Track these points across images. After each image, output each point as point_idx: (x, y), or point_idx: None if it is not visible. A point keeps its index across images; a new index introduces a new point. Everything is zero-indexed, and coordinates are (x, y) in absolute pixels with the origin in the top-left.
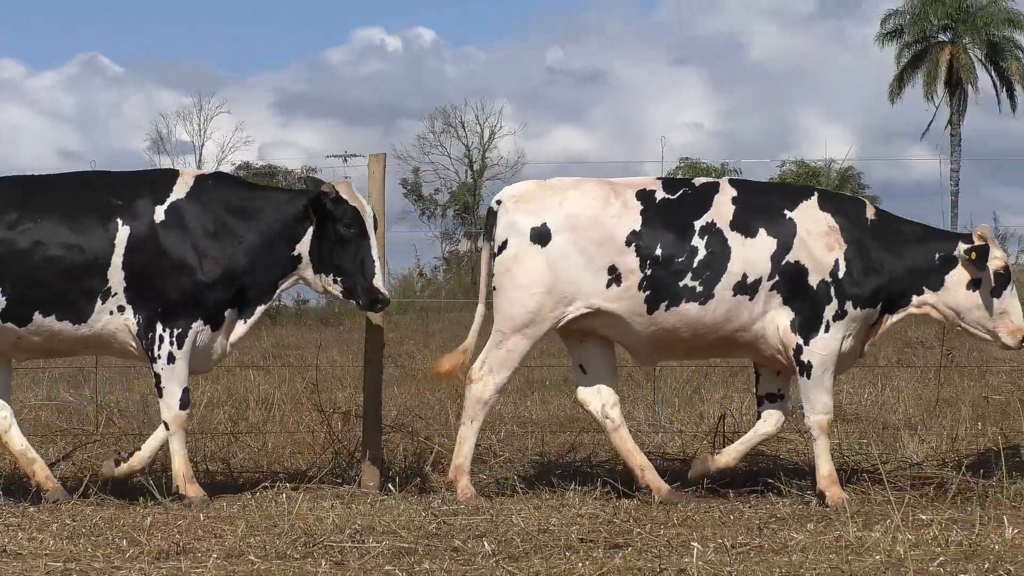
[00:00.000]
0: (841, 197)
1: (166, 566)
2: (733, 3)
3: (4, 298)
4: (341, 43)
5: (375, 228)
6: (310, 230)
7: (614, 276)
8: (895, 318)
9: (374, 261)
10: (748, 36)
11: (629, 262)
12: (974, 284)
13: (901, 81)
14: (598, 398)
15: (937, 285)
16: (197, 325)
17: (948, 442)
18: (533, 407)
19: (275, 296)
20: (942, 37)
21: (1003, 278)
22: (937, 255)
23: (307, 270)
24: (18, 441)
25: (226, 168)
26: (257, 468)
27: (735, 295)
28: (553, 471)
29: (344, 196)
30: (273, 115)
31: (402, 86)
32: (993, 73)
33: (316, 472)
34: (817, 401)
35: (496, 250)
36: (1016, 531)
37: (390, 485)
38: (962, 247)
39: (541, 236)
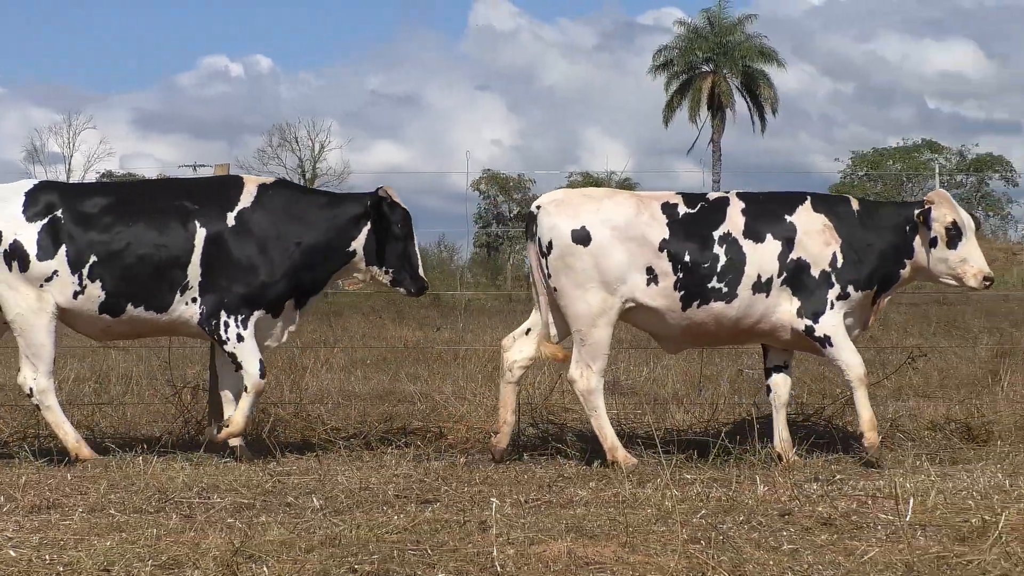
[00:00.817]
0: (830, 198)
1: (38, 519)
2: (527, 37)
3: (103, 292)
4: (190, 68)
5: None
6: (366, 229)
7: (652, 276)
8: (890, 295)
9: (417, 255)
10: (540, 66)
11: (663, 265)
12: (932, 242)
13: (671, 105)
14: (518, 353)
15: (911, 252)
16: (259, 313)
17: (709, 412)
18: (356, 383)
19: (325, 286)
20: (705, 68)
21: (953, 232)
22: (907, 226)
23: (360, 263)
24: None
25: (91, 176)
26: (117, 434)
27: (753, 293)
28: (373, 437)
29: (396, 199)
30: (132, 130)
31: (243, 106)
32: (748, 99)
33: (169, 438)
34: (849, 361)
35: (544, 251)
36: (766, 488)
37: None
38: (915, 212)
39: (582, 237)
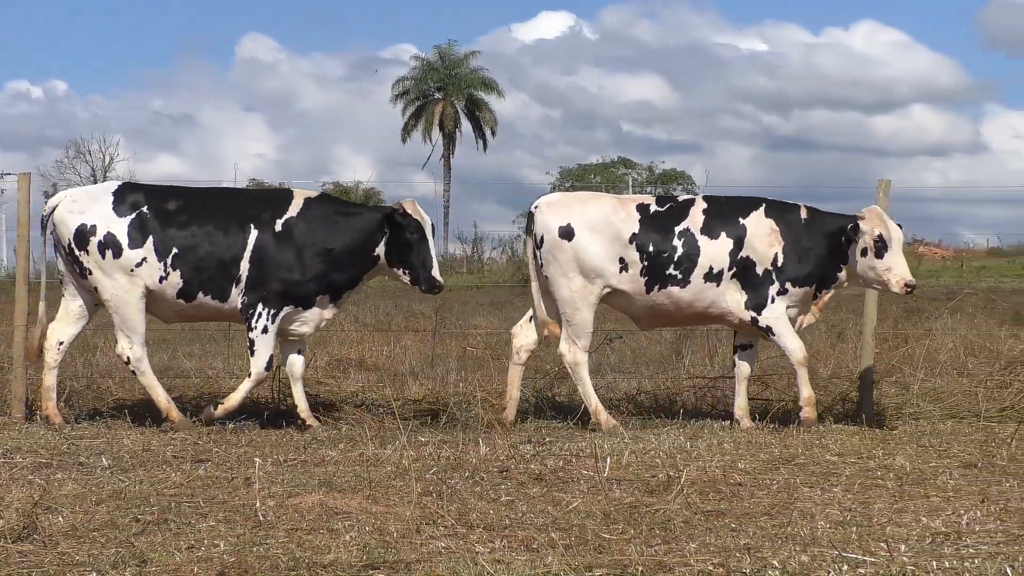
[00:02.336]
0: (782, 205)
1: None
2: (286, 67)
3: (181, 280)
4: None
5: (433, 233)
6: (385, 237)
7: (623, 265)
8: (830, 292)
9: (432, 258)
10: (296, 90)
11: (632, 255)
12: (863, 252)
13: (407, 127)
14: (525, 338)
15: (846, 258)
16: (288, 308)
17: (440, 385)
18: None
19: (361, 285)
20: (437, 96)
21: (879, 243)
22: (843, 236)
23: (384, 265)
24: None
25: None
26: None
27: (705, 281)
28: (154, 406)
29: (409, 212)
30: None
31: (43, 123)
32: (472, 122)
33: None
34: (790, 346)
35: (537, 245)
36: (488, 449)
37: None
38: (848, 226)
39: (567, 233)
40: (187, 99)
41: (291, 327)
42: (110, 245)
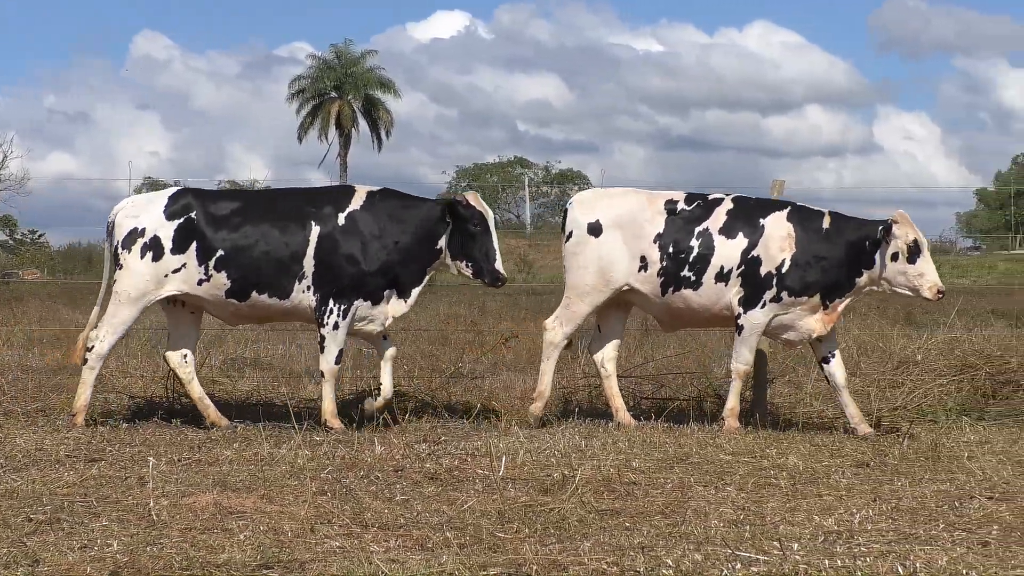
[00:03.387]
0: (806, 212)
1: None
2: (181, 65)
3: (229, 281)
4: None
5: (496, 226)
6: (448, 229)
7: (643, 264)
8: (845, 301)
9: (496, 250)
10: (191, 88)
11: (653, 254)
12: (894, 256)
13: (304, 126)
14: (602, 352)
15: (870, 264)
16: (359, 303)
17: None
18: (33, 358)
19: (425, 279)
20: (333, 94)
21: (913, 249)
22: (867, 241)
23: (447, 258)
24: (197, 390)
25: None
26: None
27: (716, 282)
28: (51, 407)
29: (472, 204)
30: None
31: None
32: (368, 121)
33: None
34: (740, 354)
35: (566, 239)
36: (383, 448)
37: None
38: (879, 230)
39: (594, 229)
40: (81, 96)
41: (360, 325)
42: (152, 247)
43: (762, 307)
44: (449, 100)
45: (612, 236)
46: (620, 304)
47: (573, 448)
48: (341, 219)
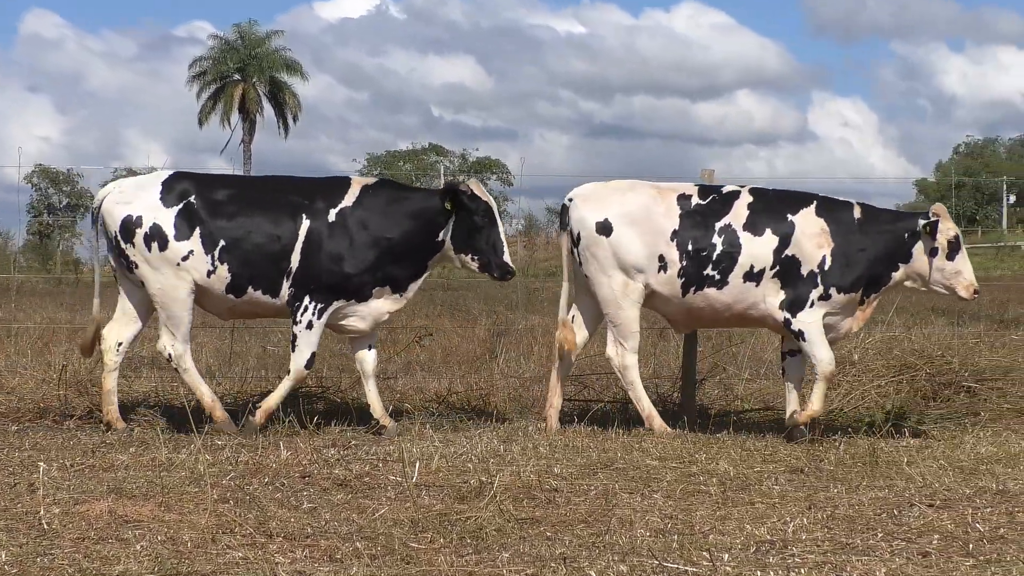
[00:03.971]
0: (834, 203)
1: None
2: (73, 44)
3: (229, 275)
4: None
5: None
6: (451, 221)
7: (662, 264)
8: (879, 296)
9: (503, 242)
10: (84, 69)
11: (672, 254)
12: (933, 252)
13: (205, 110)
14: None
15: (907, 258)
16: (339, 302)
17: (239, 384)
18: None
19: (426, 273)
20: (236, 77)
21: (954, 245)
22: (906, 233)
23: (449, 251)
24: (111, 383)
25: None
26: None
27: (744, 281)
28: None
29: (478, 193)
30: None
31: None
32: (273, 105)
33: None
34: (820, 356)
35: (574, 242)
36: (289, 453)
37: None
38: (920, 222)
39: (605, 228)
40: None
41: (345, 322)
42: (156, 237)
43: (811, 307)
44: (359, 83)
45: (626, 234)
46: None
47: (491, 453)
48: (332, 215)
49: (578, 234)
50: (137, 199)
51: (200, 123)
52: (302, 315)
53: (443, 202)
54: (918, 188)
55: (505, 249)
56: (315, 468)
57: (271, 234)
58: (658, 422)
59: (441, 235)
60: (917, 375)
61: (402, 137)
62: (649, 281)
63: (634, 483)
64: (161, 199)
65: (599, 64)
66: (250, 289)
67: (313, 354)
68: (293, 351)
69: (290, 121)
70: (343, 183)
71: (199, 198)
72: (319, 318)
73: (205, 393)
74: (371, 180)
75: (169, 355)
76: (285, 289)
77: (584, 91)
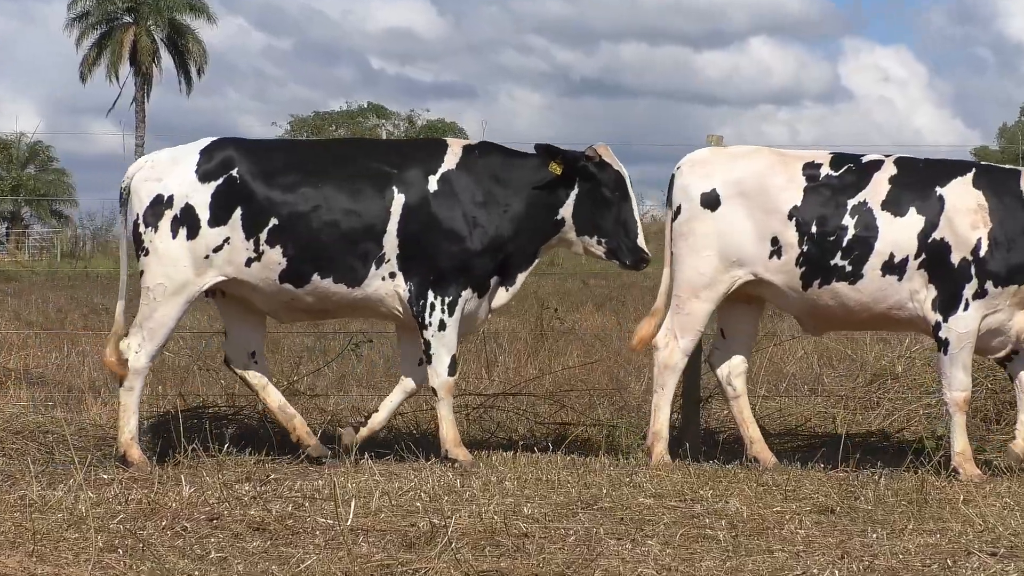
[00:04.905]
0: (997, 172)
1: None
2: None
3: (285, 259)
4: None
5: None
6: (573, 194)
7: (776, 248)
8: None
9: (636, 221)
10: None
11: (789, 236)
12: None
13: (88, 62)
14: (727, 365)
15: None
16: (467, 293)
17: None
18: None
19: (536, 261)
20: (127, 19)
21: None
22: None
23: (570, 233)
24: (275, 398)
25: None
26: None
27: (884, 274)
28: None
29: (607, 160)
30: None
31: None
32: (174, 55)
33: None
34: (954, 379)
35: (672, 215)
36: (193, 489)
37: None
38: None
39: (710, 201)
40: None
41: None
42: (185, 221)
43: (965, 308)
44: (280, 28)
45: (733, 209)
46: (750, 300)
47: (445, 489)
48: (433, 183)
49: (679, 207)
50: (170, 174)
51: (82, 78)
52: (431, 315)
53: (564, 172)
54: (977, 158)
55: (639, 230)
56: (225, 508)
57: (345, 209)
58: (660, 448)
59: (561, 212)
60: (977, 391)
61: (334, 95)
62: (757, 269)
63: (623, 526)
64: (198, 172)
65: (579, 5)
66: (316, 276)
67: (454, 358)
68: (429, 362)
69: (194, 75)
70: (439, 144)
71: (246, 169)
72: (451, 314)
73: (128, 427)
74: (473, 141)
75: (125, 360)
76: (373, 280)
77: (561, 38)
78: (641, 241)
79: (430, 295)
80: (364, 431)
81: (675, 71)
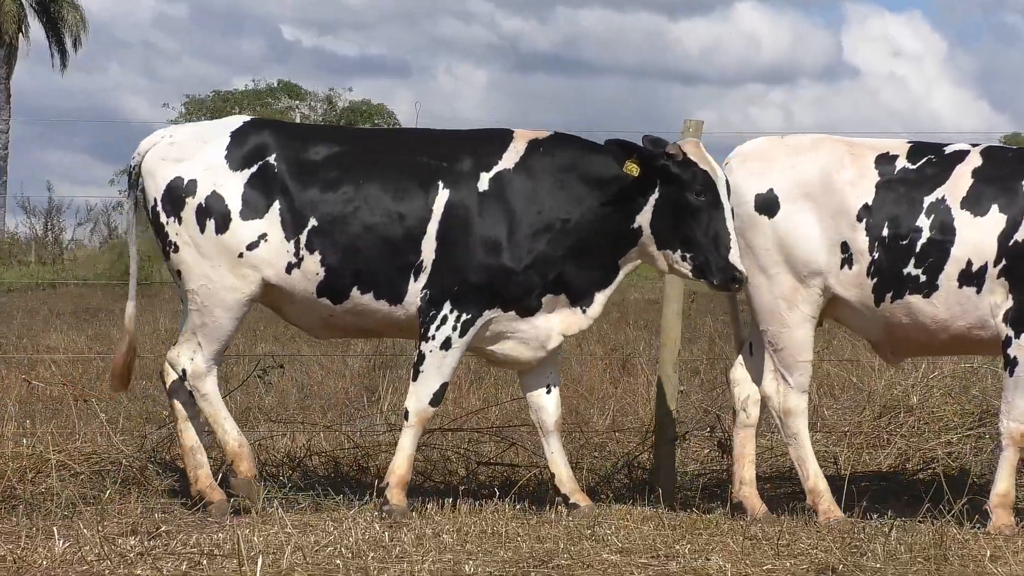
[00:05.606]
0: None
1: None
2: None
3: (323, 268)
4: None
5: (728, 196)
6: (652, 199)
7: (846, 256)
8: None
9: (729, 233)
10: None
11: (860, 241)
12: None
13: None
14: (748, 387)
15: None
16: (492, 312)
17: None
18: None
19: (618, 279)
20: None
21: None
22: None
23: (651, 246)
24: (191, 437)
25: None
26: None
27: (960, 286)
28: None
29: (693, 158)
30: None
31: None
32: (45, 24)
33: None
34: (1015, 406)
35: None
36: (67, 544)
37: None
38: None
39: (767, 205)
40: None
41: (497, 346)
42: (213, 212)
43: None
44: None
45: (796, 213)
46: None
47: (371, 543)
48: (484, 181)
49: (731, 211)
50: (193, 156)
51: None
52: (438, 328)
53: (642, 172)
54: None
55: (733, 243)
56: (106, 567)
57: (390, 211)
58: (825, 504)
59: (637, 220)
60: None
61: (239, 72)
62: (830, 282)
63: None
64: (227, 157)
65: None
66: (355, 291)
67: (444, 387)
68: (414, 380)
69: (69, 47)
70: (502, 136)
71: (283, 158)
72: (462, 335)
73: (230, 431)
74: (542, 133)
75: (184, 370)
76: (413, 296)
77: (509, 5)
78: (735, 257)
79: (446, 307)
80: (577, 495)
81: (646, 44)
